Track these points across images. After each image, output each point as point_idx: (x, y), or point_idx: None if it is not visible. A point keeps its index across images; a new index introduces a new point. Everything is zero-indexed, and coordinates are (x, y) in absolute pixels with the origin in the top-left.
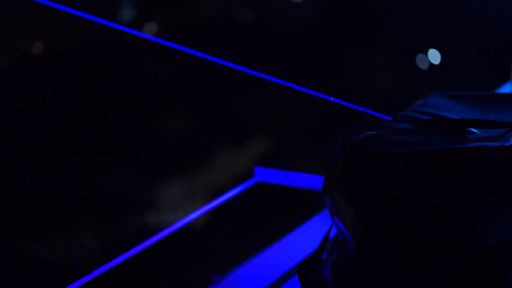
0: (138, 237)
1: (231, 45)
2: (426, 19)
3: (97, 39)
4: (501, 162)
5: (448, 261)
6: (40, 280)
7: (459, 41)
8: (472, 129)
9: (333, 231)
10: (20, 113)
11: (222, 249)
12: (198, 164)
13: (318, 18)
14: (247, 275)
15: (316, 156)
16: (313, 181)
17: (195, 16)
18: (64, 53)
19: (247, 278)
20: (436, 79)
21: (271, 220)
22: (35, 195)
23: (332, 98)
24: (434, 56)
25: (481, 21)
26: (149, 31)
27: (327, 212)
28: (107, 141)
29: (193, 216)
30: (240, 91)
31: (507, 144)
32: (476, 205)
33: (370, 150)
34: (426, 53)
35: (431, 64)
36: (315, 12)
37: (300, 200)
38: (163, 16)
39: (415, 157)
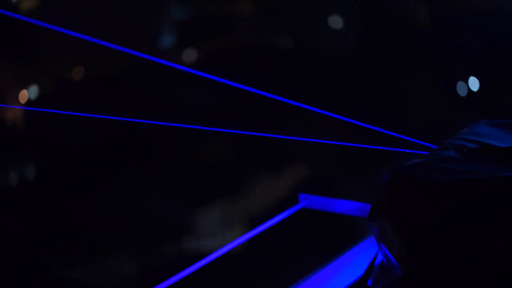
0: (179, 263)
1: (271, 74)
2: (466, 48)
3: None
4: None
5: None
6: None
7: (498, 69)
8: None
9: (379, 258)
10: (62, 141)
11: (266, 275)
12: (240, 191)
13: (358, 46)
14: None
15: (361, 183)
16: (358, 208)
17: (234, 45)
18: (108, 82)
19: None
20: (475, 106)
21: (316, 246)
22: (79, 219)
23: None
24: (473, 83)
25: None
26: (188, 60)
27: (372, 239)
28: (149, 168)
29: (237, 242)
30: (282, 118)
31: None
32: None
33: (418, 178)
34: (466, 81)
35: (470, 91)
36: (355, 41)
37: (345, 226)
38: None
39: (463, 185)
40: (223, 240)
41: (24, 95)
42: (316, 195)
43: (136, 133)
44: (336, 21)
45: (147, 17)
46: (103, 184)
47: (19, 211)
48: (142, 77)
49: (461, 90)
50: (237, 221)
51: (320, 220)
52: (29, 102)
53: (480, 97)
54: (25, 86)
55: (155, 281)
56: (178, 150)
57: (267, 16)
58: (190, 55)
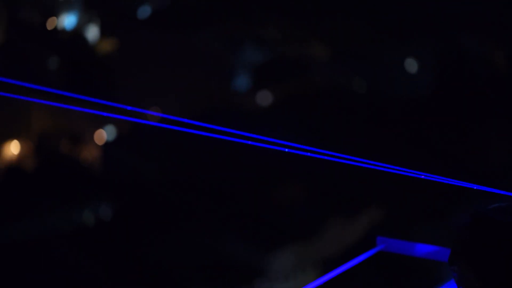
0: None
1: (344, 117)
2: None
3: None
4: None
5: None
6: None
7: None
8: None
9: None
10: (136, 181)
11: None
12: (314, 232)
13: (432, 90)
14: None
15: (440, 226)
16: (438, 252)
17: (307, 89)
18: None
19: None
20: None
21: None
22: (150, 260)
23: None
24: None
25: None
26: (262, 103)
27: (453, 283)
28: (222, 209)
29: (311, 286)
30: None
31: None
32: None
33: (501, 222)
34: None
35: None
36: (430, 85)
37: (425, 270)
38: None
39: None
40: (296, 284)
41: (101, 135)
42: (394, 238)
43: (209, 173)
44: (410, 65)
45: (221, 59)
46: (176, 225)
47: (92, 249)
48: (215, 120)
49: None
50: (310, 264)
51: (398, 263)
52: (105, 142)
53: None
54: (102, 126)
55: None
56: (251, 190)
57: (341, 59)
58: (264, 97)
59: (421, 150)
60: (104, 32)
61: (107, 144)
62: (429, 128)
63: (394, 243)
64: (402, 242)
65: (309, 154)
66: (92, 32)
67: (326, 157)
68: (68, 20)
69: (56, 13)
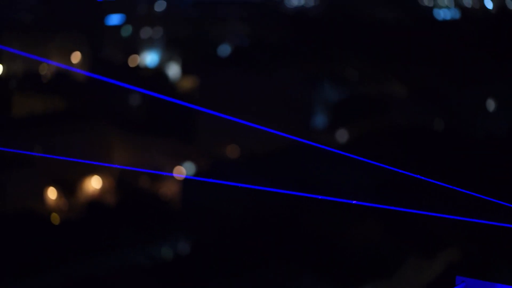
0: None
1: (424, 156)
2: None
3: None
4: None
5: None
6: None
7: None
8: None
9: None
10: (215, 214)
11: None
12: (392, 271)
13: (510, 129)
14: None
15: None
16: None
17: (386, 127)
18: (260, 160)
19: None
20: None
21: None
22: None
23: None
24: None
25: None
26: (340, 140)
27: None
28: (299, 246)
29: None
30: (434, 199)
31: None
32: None
33: None
34: None
35: None
36: (508, 123)
37: None
38: (353, 127)
39: None
40: None
41: (180, 170)
42: (474, 278)
43: (285, 208)
44: (489, 104)
45: (301, 97)
46: (254, 263)
47: (170, 283)
48: (293, 157)
49: None
50: None
51: None
52: (184, 178)
53: None
54: (181, 162)
55: None
56: (328, 227)
57: (420, 97)
58: (342, 135)
59: (502, 189)
60: (185, 70)
61: (186, 180)
62: (508, 170)
63: (473, 283)
64: (481, 282)
65: (386, 193)
66: (173, 70)
67: (405, 197)
68: (150, 58)
69: (138, 51)
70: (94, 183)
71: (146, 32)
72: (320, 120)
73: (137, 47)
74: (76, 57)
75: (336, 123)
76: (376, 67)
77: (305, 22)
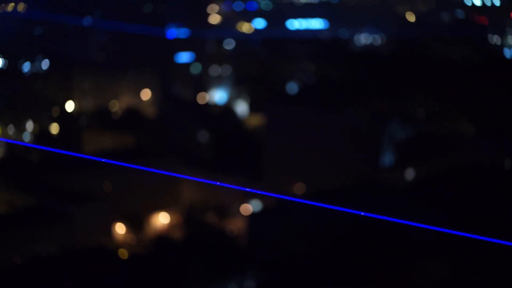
0: None
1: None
2: None
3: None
4: None
5: None
6: None
7: None
8: None
9: None
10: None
11: None
12: None
13: None
14: None
15: None
16: None
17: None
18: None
19: None
20: None
21: None
22: None
23: None
24: None
25: None
26: (408, 178)
27: None
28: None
29: None
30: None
31: None
32: None
33: None
34: None
35: None
36: None
37: None
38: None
39: None
40: None
41: (247, 208)
42: None
43: (352, 248)
44: None
45: (368, 135)
46: None
47: None
48: (360, 193)
49: None
50: None
51: None
52: (251, 215)
53: None
54: (248, 199)
55: None
56: (397, 267)
57: (489, 136)
58: (409, 174)
59: None
60: (253, 107)
61: (253, 217)
62: None
63: None
64: None
65: (454, 232)
66: (242, 107)
67: (471, 236)
68: (218, 96)
69: (207, 88)
70: (162, 219)
71: (215, 70)
72: (387, 158)
73: (206, 84)
74: (146, 94)
75: (404, 161)
76: (445, 105)
77: (373, 60)
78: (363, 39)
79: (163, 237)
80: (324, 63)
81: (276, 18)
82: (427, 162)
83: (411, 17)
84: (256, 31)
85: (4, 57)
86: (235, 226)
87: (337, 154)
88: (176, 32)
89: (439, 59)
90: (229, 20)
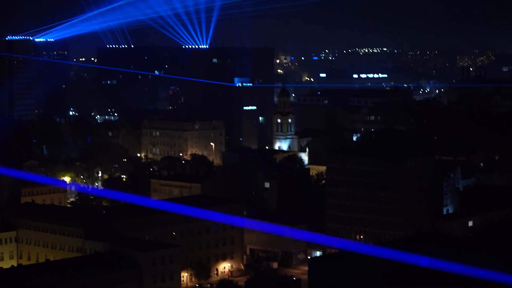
0: None
1: None
2: None
3: None
4: None
5: None
6: None
7: None
8: None
9: None
10: None
11: None
12: None
13: None
14: None
15: None
16: None
17: None
18: None
19: None
20: None
21: None
22: None
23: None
24: None
25: None
26: None
27: None
28: None
29: None
30: None
31: None
32: None
33: None
34: None
35: None
36: None
37: None
38: None
39: None
40: None
41: (309, 255)
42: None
43: None
44: None
45: (430, 185)
46: None
47: None
48: (423, 241)
49: None
50: None
51: None
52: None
53: None
54: (310, 248)
55: None
56: None
57: None
58: (471, 222)
59: None
60: (316, 157)
61: (314, 262)
62: None
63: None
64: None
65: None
66: (304, 156)
67: None
68: (283, 144)
69: (271, 137)
70: (227, 265)
71: (279, 120)
72: (449, 207)
73: (270, 134)
74: (213, 143)
75: (466, 210)
76: (505, 156)
77: (435, 111)
78: (425, 90)
79: (227, 283)
80: (386, 114)
81: (339, 70)
82: (488, 211)
83: (472, 71)
84: (319, 82)
85: (77, 108)
86: (298, 272)
87: (398, 203)
88: (242, 83)
89: (500, 111)
90: (293, 72)
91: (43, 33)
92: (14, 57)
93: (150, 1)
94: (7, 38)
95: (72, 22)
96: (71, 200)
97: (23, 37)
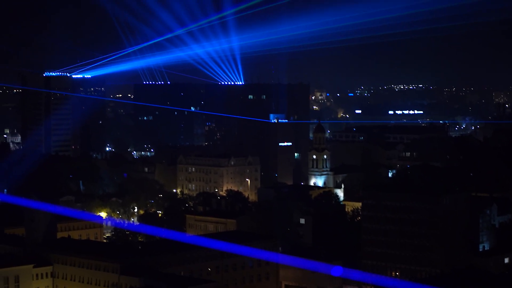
0: None
1: None
2: None
3: None
4: None
5: None
6: None
7: None
8: None
9: None
10: None
11: None
12: None
13: None
14: None
15: None
16: None
17: None
18: None
19: None
20: None
21: None
22: None
23: None
24: None
25: None
26: None
27: None
28: None
29: None
30: None
31: None
32: None
33: None
34: None
35: None
36: None
37: None
38: None
39: None
40: None
41: None
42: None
43: None
44: None
45: (467, 220)
46: None
47: None
48: (461, 279)
49: None
50: None
51: None
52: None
53: None
54: (346, 284)
55: None
56: None
57: None
58: (508, 258)
59: None
60: (351, 192)
61: None
62: None
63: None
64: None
65: None
66: (340, 192)
67: None
68: (319, 180)
69: (306, 173)
70: None
71: (315, 156)
72: (485, 243)
73: (306, 169)
74: (248, 179)
75: (502, 247)
76: None
77: (471, 147)
78: (461, 127)
79: None
80: (422, 150)
81: (375, 106)
82: None
83: (508, 107)
84: (355, 119)
85: (113, 143)
86: None
87: (434, 240)
88: (278, 119)
89: None
90: (329, 108)
91: (80, 70)
92: (51, 93)
93: (188, 40)
94: (44, 74)
95: (110, 59)
96: (107, 235)
97: (60, 73)
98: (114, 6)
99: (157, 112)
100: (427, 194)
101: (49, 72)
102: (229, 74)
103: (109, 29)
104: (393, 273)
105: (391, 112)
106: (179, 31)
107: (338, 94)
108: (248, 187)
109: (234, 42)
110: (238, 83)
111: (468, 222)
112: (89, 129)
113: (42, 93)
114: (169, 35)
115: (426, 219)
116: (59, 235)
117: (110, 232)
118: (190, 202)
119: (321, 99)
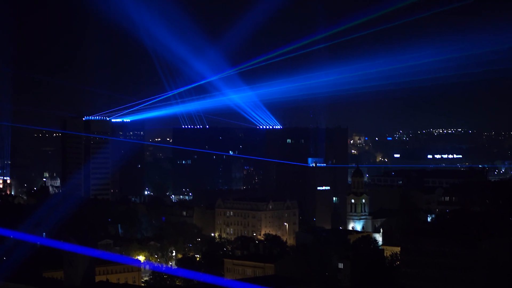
0: None
1: None
2: None
3: None
4: None
5: None
6: None
7: None
8: None
9: None
10: None
11: None
12: None
13: None
14: None
15: None
16: None
17: None
18: None
19: None
20: None
21: None
22: None
23: None
24: None
25: None
26: None
27: None
28: None
29: None
30: None
31: None
32: None
33: None
34: None
35: None
36: None
37: None
38: None
39: None
40: None
41: None
42: None
43: None
44: None
45: (507, 266)
46: None
47: None
48: None
49: None
50: None
51: None
52: None
53: None
54: None
55: None
56: None
57: None
58: None
59: None
60: (391, 237)
61: None
62: None
63: None
64: None
65: None
66: (378, 236)
67: None
68: (357, 224)
69: (344, 217)
70: None
71: (353, 200)
72: None
73: (345, 213)
74: (287, 223)
75: None
76: None
77: (510, 192)
78: (500, 171)
79: None
80: (461, 195)
81: (413, 150)
82: None
83: None
84: (393, 163)
85: (152, 187)
86: None
87: (475, 285)
88: (316, 163)
89: None
90: (367, 152)
91: (119, 114)
92: (91, 137)
93: (224, 89)
94: (84, 118)
95: (149, 103)
96: (145, 279)
97: (100, 117)
98: (156, 48)
99: (195, 156)
100: (466, 239)
101: (88, 116)
102: (265, 118)
103: (150, 72)
104: None
105: (430, 156)
106: (222, 74)
107: (376, 138)
108: (286, 231)
109: (275, 86)
110: (276, 127)
111: (510, 267)
112: (128, 173)
113: (82, 137)
114: (209, 79)
115: (466, 264)
116: (97, 278)
117: (148, 276)
118: (228, 246)
119: (359, 143)
